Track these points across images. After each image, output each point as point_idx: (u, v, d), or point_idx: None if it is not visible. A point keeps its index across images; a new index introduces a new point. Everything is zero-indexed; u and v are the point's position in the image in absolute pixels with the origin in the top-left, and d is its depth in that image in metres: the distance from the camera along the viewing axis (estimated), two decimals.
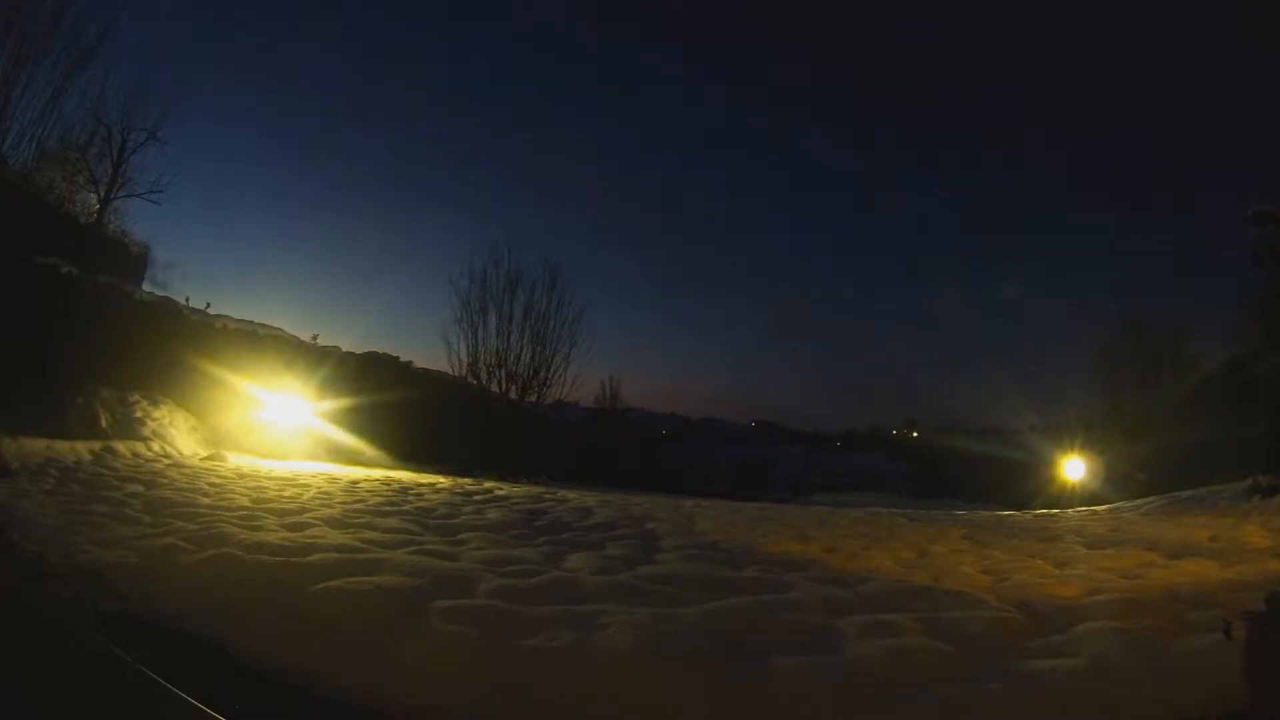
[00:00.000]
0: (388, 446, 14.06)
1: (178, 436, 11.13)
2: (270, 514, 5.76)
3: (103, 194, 13.80)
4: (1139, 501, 11.68)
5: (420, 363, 17.95)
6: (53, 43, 12.04)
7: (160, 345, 11.86)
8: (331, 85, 54.00)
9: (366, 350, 16.40)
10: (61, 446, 8.44)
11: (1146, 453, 14.18)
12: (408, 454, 14.17)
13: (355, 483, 9.53)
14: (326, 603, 3.15)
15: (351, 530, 5.21)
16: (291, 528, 5.17)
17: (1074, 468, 16.04)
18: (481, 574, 3.88)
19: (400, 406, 14.57)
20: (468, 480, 12.51)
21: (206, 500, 6.42)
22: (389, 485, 9.70)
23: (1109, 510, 11.45)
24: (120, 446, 9.59)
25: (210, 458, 10.53)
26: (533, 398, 19.90)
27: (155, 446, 10.36)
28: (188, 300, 13.86)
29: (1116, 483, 14.19)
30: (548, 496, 10.14)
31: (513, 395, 19.40)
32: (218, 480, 8.05)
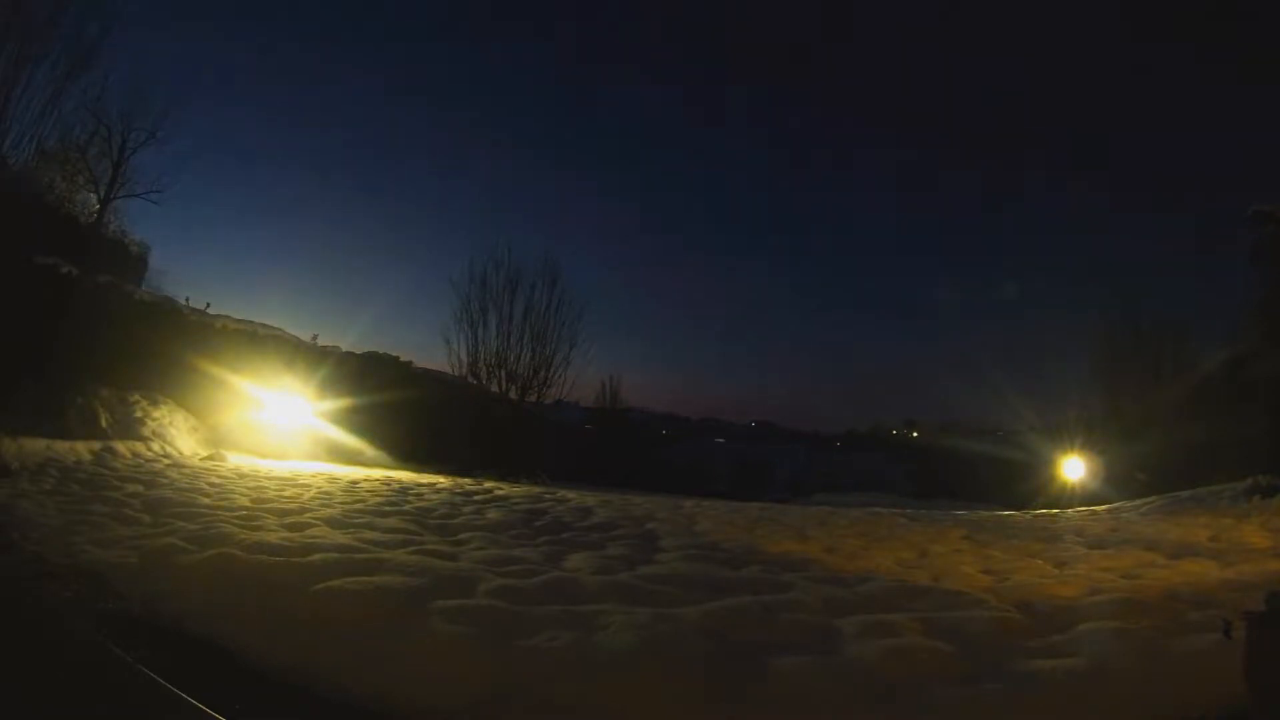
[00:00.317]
0: (388, 446, 14.06)
1: (178, 436, 11.13)
2: (270, 514, 5.75)
3: (103, 194, 13.81)
4: (1139, 501, 11.68)
5: (420, 363, 18.01)
6: (53, 43, 12.06)
7: (160, 345, 11.86)
8: (331, 85, 53.92)
9: (366, 350, 16.42)
10: (61, 446, 8.44)
11: (1146, 453, 14.17)
12: (408, 454, 14.17)
13: (355, 483, 9.54)
14: (326, 602, 3.15)
15: (351, 530, 5.21)
16: (291, 528, 5.17)
17: (1074, 468, 16.04)
18: (481, 574, 3.88)
19: (400, 406, 14.57)
20: (468, 480, 12.51)
21: (206, 500, 6.42)
22: (389, 485, 9.70)
23: (1109, 510, 11.45)
24: (120, 446, 9.59)
25: (210, 458, 10.53)
26: (533, 398, 19.92)
27: (155, 446, 10.36)
28: (188, 300, 13.89)
29: (1116, 483, 14.18)
30: (548, 496, 10.14)
31: (513, 395, 19.41)
32: (218, 480, 8.05)
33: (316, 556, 3.93)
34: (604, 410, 26.90)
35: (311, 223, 50.84)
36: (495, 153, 60.39)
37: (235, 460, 10.71)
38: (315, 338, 15.70)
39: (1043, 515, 11.49)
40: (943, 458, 27.45)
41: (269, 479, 8.71)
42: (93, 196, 13.83)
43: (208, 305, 14.06)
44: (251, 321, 14.35)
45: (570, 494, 10.88)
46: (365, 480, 10.08)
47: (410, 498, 8.24)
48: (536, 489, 12.08)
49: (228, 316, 13.97)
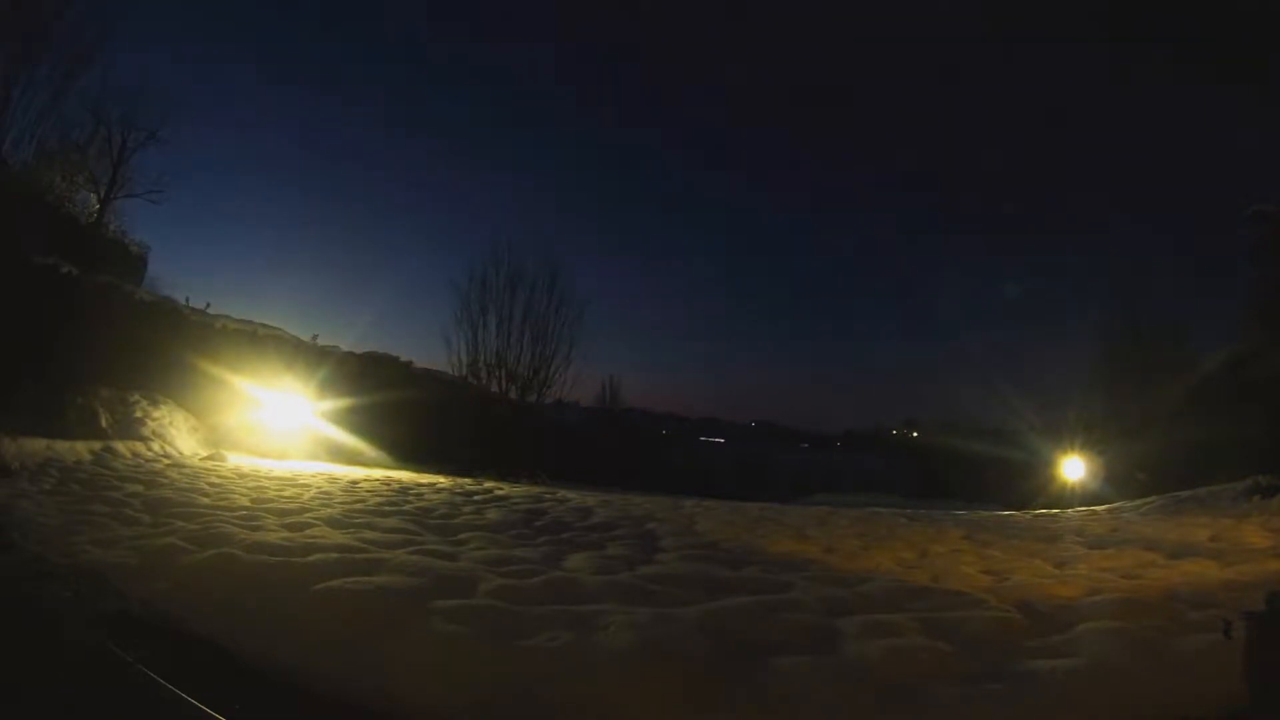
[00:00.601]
0: (388, 446, 14.06)
1: (178, 436, 11.13)
2: (270, 514, 5.76)
3: (103, 194, 13.85)
4: (1139, 501, 11.68)
5: (420, 363, 18.01)
6: (53, 42, 12.07)
7: (160, 345, 11.87)
8: (331, 85, 53.92)
9: (366, 350, 16.43)
10: (61, 446, 8.44)
11: (1146, 453, 14.17)
12: (408, 454, 14.17)
13: (355, 483, 9.54)
14: (327, 602, 3.15)
15: (351, 530, 5.21)
16: (291, 528, 5.17)
17: (1074, 468, 16.05)
18: (481, 574, 3.88)
19: (400, 406, 14.58)
20: (468, 480, 12.51)
21: (206, 500, 6.42)
22: (389, 485, 9.70)
23: (1109, 510, 11.45)
24: (120, 446, 9.59)
25: (210, 458, 10.53)
26: (533, 398, 19.94)
27: (155, 446, 10.37)
28: (188, 300, 13.91)
29: (1116, 483, 14.19)
30: (548, 496, 10.14)
31: (513, 395, 19.43)
32: (218, 480, 8.05)
33: (316, 556, 3.93)
34: (604, 410, 26.92)
35: (311, 223, 50.88)
36: (495, 153, 60.32)
37: (235, 460, 10.71)
38: (315, 338, 15.72)
39: (1043, 515, 11.49)
40: (943, 458, 27.40)
41: (269, 479, 8.71)
42: (93, 196, 13.88)
43: (208, 305, 14.10)
44: (251, 321, 14.36)
45: (570, 494, 10.88)
46: (365, 480, 10.08)
47: (410, 498, 8.24)
48: (536, 489, 12.08)
49: (228, 316, 13.98)
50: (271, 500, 6.77)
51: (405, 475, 11.94)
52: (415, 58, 56.55)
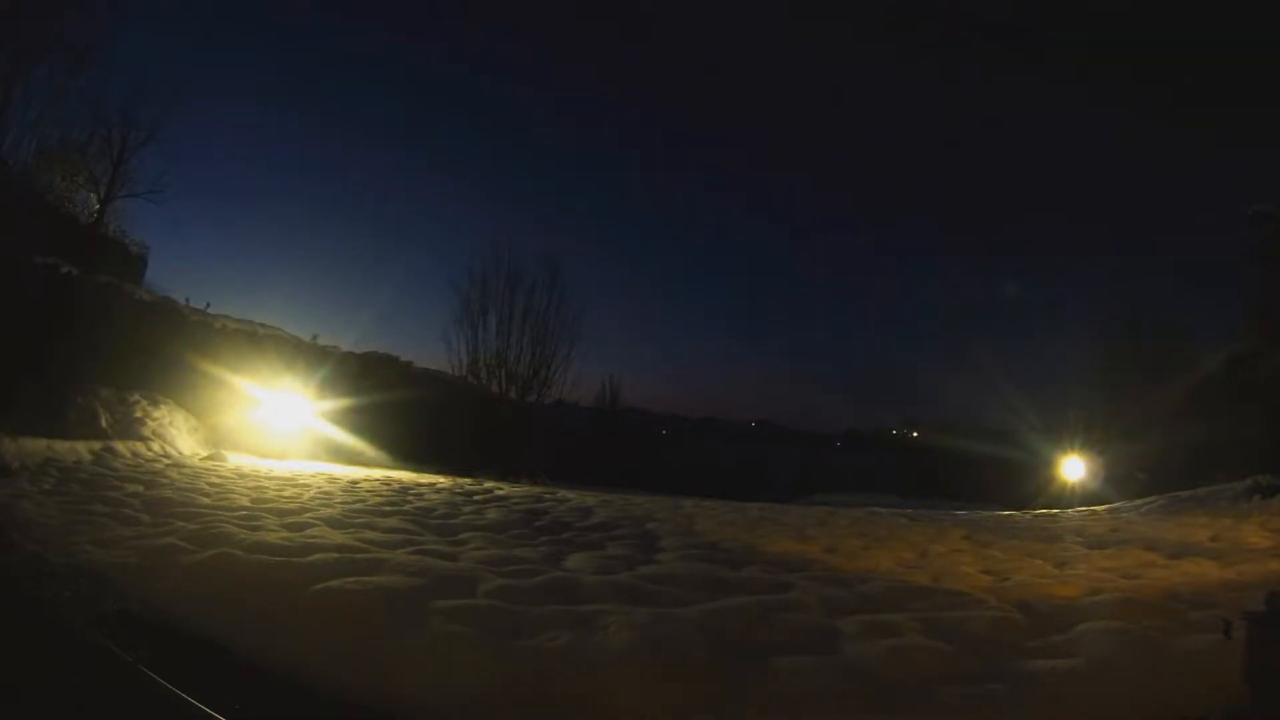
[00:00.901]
0: (388, 446, 14.07)
1: (178, 436, 11.13)
2: (270, 514, 5.75)
3: (103, 194, 13.84)
4: (1139, 501, 11.69)
5: (420, 363, 18.02)
6: (53, 42, 12.07)
7: (160, 345, 11.87)
8: (332, 85, 53.88)
9: (366, 350, 16.44)
10: (61, 446, 8.44)
11: (1146, 453, 14.18)
12: (408, 454, 14.18)
13: (355, 483, 9.54)
14: (327, 602, 3.15)
15: (351, 530, 5.21)
16: (291, 528, 5.17)
17: (1074, 468, 16.05)
18: (481, 574, 3.88)
19: (400, 406, 14.59)
20: (468, 480, 12.52)
21: (206, 500, 6.42)
22: (389, 485, 9.71)
23: (1109, 510, 11.46)
24: (120, 446, 9.59)
25: (210, 458, 10.53)
26: (533, 398, 19.94)
27: (155, 446, 10.37)
28: (188, 300, 13.90)
29: (1116, 483, 14.20)
30: (548, 496, 10.14)
31: (513, 395, 19.43)
32: (218, 480, 8.05)
33: (316, 556, 3.93)
34: (604, 410, 26.91)
35: (311, 223, 50.79)
36: (496, 152, 60.26)
37: (235, 460, 10.72)
38: (315, 338, 15.74)
39: (1043, 515, 11.48)
40: (943, 458, 27.39)
41: (269, 479, 8.71)
42: (93, 196, 13.87)
43: (208, 305, 14.11)
44: (251, 321, 14.37)
45: (570, 494, 10.88)
46: (365, 480, 10.08)
47: (410, 498, 8.24)
48: (536, 489, 12.09)
49: (228, 316, 13.99)
50: (271, 500, 6.77)
51: (405, 475, 11.95)
52: (416, 58, 56.54)
